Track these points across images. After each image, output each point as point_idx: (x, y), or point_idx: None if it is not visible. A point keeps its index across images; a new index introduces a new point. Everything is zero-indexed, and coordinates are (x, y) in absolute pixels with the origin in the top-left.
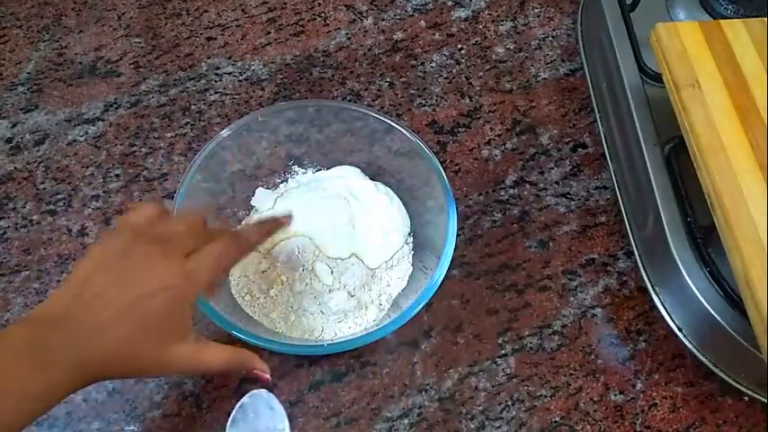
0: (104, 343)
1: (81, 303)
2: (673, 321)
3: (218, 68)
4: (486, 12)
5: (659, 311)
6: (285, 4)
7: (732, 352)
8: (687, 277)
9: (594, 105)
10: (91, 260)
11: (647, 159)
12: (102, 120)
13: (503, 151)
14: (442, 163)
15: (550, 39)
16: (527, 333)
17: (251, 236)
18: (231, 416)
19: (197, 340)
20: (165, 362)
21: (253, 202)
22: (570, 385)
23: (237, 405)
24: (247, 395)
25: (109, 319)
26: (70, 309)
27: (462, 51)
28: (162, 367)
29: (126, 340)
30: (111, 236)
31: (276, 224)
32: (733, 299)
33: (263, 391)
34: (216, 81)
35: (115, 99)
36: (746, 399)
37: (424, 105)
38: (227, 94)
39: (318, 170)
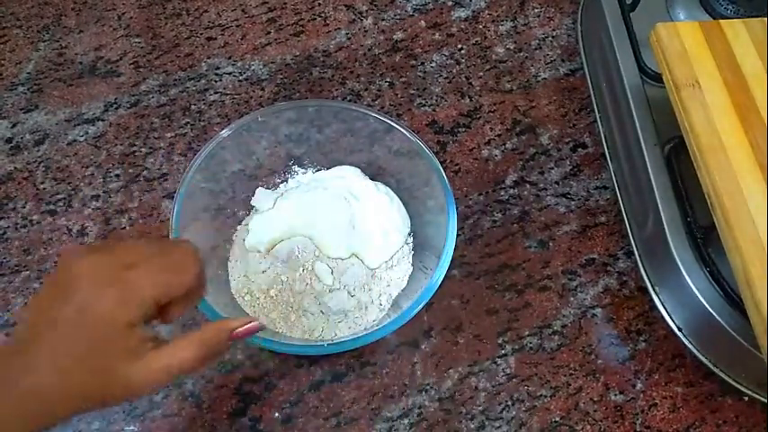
0: (52, 371)
1: (34, 329)
2: (673, 321)
3: (218, 68)
4: (486, 12)
5: (659, 311)
6: (285, 4)
7: (732, 352)
8: (687, 277)
9: (594, 105)
10: (48, 281)
11: (647, 159)
12: (102, 120)
13: (503, 151)
14: (442, 163)
15: (550, 39)
16: (527, 333)
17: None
18: None
19: (155, 348)
20: (125, 384)
21: (253, 202)
22: (570, 385)
23: None
24: None
25: (53, 343)
26: (26, 336)
27: (462, 51)
28: (125, 389)
29: (73, 363)
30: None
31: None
32: (733, 299)
33: None
34: (216, 81)
35: (115, 99)
36: (746, 399)
37: (424, 105)
38: (227, 94)
39: (318, 170)
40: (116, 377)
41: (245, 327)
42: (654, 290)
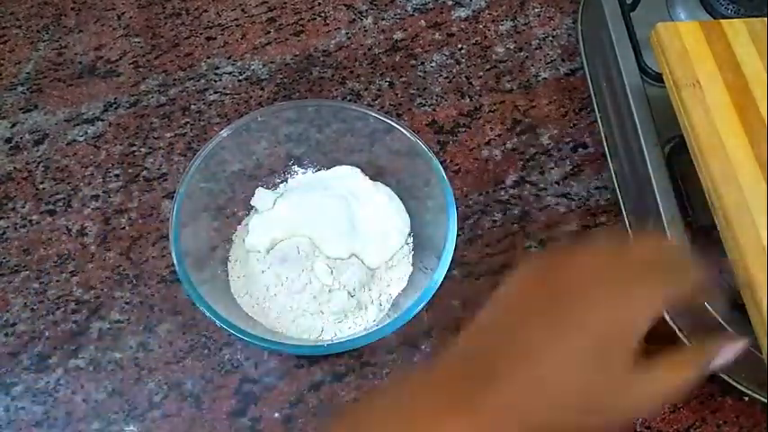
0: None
1: (518, 331)
2: (673, 321)
3: (217, 68)
4: (486, 12)
5: None
6: (285, 3)
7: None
8: None
9: (595, 105)
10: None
11: (647, 159)
12: (102, 120)
13: (503, 151)
14: (442, 163)
15: (550, 39)
16: None
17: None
18: None
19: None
20: (621, 406)
21: (253, 202)
22: None
23: None
24: None
25: (551, 348)
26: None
27: (462, 51)
28: (618, 410)
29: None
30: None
31: None
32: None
33: None
34: (216, 81)
35: (115, 99)
36: (746, 399)
37: (424, 105)
38: (227, 94)
39: (318, 170)
40: (615, 394)
41: (728, 349)
42: None
